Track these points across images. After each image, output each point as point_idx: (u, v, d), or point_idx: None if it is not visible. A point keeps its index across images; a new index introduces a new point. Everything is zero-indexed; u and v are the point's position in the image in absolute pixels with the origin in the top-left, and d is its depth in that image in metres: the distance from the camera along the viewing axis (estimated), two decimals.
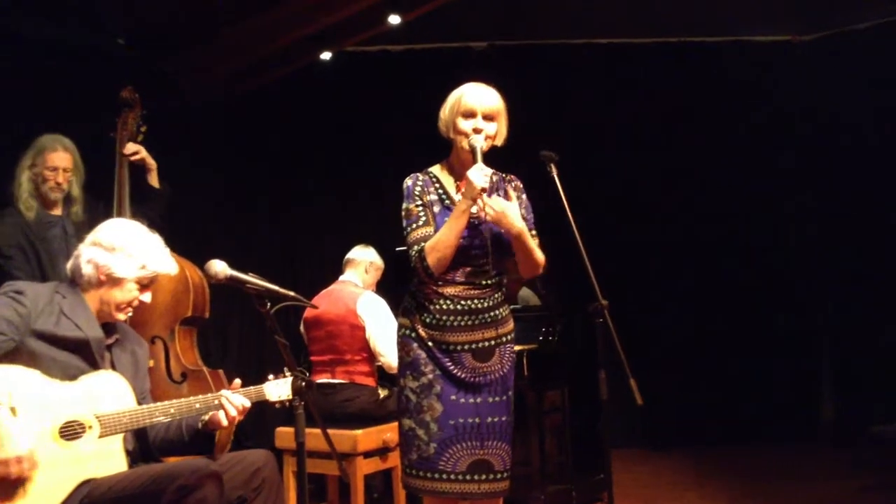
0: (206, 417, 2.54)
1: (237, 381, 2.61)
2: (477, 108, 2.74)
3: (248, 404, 2.54)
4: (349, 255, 4.41)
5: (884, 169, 5.86)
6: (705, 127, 6.23)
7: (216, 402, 2.53)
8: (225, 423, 2.50)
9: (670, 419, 6.03)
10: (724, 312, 6.13)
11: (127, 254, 2.54)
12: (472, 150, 2.70)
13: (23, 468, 2.15)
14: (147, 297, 2.62)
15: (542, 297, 4.87)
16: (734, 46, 6.34)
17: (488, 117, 2.75)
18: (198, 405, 2.51)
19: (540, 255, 2.81)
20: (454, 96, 2.80)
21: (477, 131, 2.72)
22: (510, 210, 2.67)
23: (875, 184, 5.90)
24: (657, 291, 6.19)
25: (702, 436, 6.02)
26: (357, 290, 4.24)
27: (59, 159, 3.71)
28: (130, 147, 3.89)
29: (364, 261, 4.37)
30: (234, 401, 2.51)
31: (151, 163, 3.96)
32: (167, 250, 2.65)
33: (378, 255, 4.44)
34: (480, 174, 2.59)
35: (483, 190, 2.58)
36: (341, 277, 4.37)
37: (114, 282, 2.53)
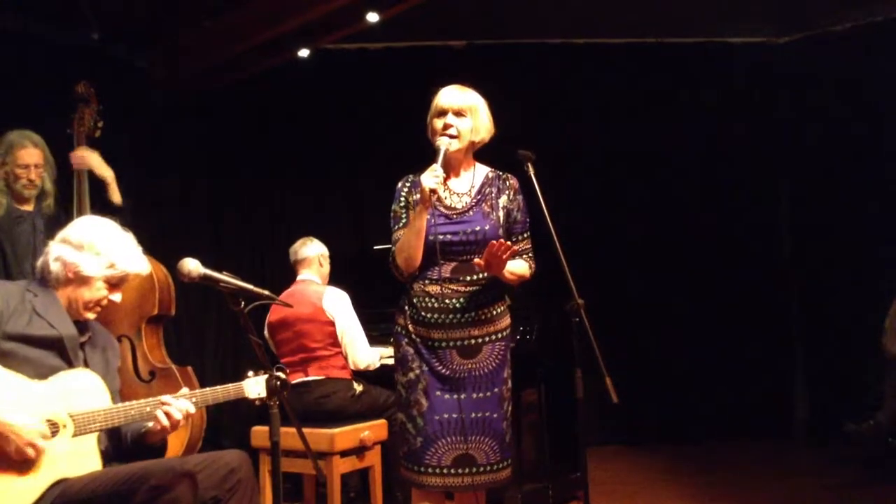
0: (150, 425, 2.48)
1: (185, 390, 2.57)
2: (446, 106, 2.83)
3: (192, 409, 2.47)
4: (299, 255, 4.36)
5: (860, 168, 5.93)
6: (682, 127, 6.25)
7: (192, 400, 2.51)
8: (167, 424, 2.42)
9: (646, 417, 6.07)
10: (698, 310, 6.17)
11: (95, 252, 2.50)
12: (437, 151, 2.78)
13: (39, 446, 2.20)
14: (117, 297, 2.58)
15: (519, 295, 4.87)
16: (711, 47, 6.37)
17: (458, 113, 2.83)
18: None
19: (524, 271, 2.89)
20: (433, 100, 2.89)
21: (447, 127, 2.80)
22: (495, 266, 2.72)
23: (850, 182, 5.96)
24: (633, 289, 6.21)
25: (677, 433, 6.05)
26: (320, 287, 4.27)
27: (30, 156, 3.65)
28: (78, 152, 3.77)
29: (316, 255, 4.37)
30: (178, 405, 2.44)
31: (105, 174, 3.82)
32: (139, 249, 2.61)
33: (320, 244, 4.43)
34: (430, 175, 2.68)
35: (432, 191, 2.67)
36: (299, 277, 4.35)
37: (81, 280, 2.50)
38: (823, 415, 5.95)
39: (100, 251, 2.51)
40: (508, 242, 2.70)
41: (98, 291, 2.52)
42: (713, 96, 6.22)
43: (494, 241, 2.66)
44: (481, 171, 2.95)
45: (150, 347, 3.95)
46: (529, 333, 4.36)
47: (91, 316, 2.56)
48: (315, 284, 4.29)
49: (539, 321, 4.43)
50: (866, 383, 5.06)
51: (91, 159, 3.81)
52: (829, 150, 6.08)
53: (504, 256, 2.68)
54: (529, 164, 2.88)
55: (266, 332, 4.31)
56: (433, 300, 2.82)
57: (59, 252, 2.51)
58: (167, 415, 2.41)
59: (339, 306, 4.12)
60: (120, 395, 2.67)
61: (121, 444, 2.57)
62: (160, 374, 3.90)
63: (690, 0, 5.64)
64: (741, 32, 6.35)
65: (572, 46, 6.35)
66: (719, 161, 6.24)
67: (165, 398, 2.45)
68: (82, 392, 2.40)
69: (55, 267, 2.50)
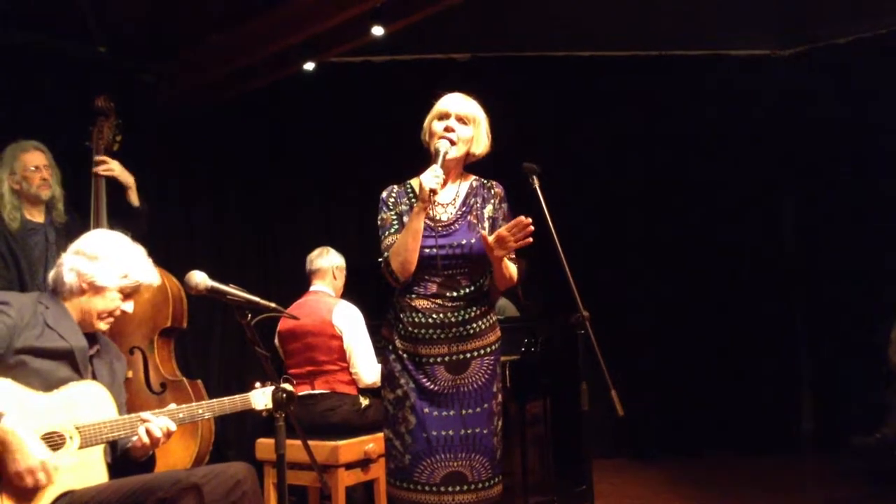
0: (135, 439, 2.47)
1: (172, 405, 2.57)
2: (451, 110, 2.79)
3: (173, 427, 2.47)
4: (314, 265, 4.35)
5: (862, 179, 5.93)
6: (685, 139, 6.26)
7: (199, 410, 2.52)
8: (147, 441, 2.42)
9: (652, 430, 6.05)
10: (704, 322, 6.16)
11: (109, 262, 2.54)
12: (436, 153, 2.73)
13: (39, 478, 2.18)
14: (129, 306, 2.62)
15: (524, 307, 4.88)
16: (715, 60, 6.38)
17: (462, 120, 2.79)
18: (181, 415, 2.51)
19: (513, 271, 2.82)
20: (435, 105, 2.85)
21: (448, 130, 2.76)
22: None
23: (854, 193, 5.96)
24: (638, 302, 6.21)
25: (683, 446, 6.04)
26: (331, 300, 4.24)
27: (36, 158, 3.71)
28: (101, 159, 3.86)
29: (330, 267, 4.34)
30: (158, 422, 2.44)
31: (127, 179, 3.90)
32: (150, 261, 2.65)
33: (338, 255, 4.41)
34: (431, 175, 2.63)
35: (432, 191, 2.62)
36: (312, 288, 4.34)
37: (95, 290, 2.53)
38: (830, 427, 5.92)
39: (114, 261, 2.56)
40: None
41: (112, 301, 2.55)
42: (716, 108, 6.22)
43: (523, 218, 2.56)
44: (466, 181, 2.90)
45: (161, 360, 3.96)
46: (534, 345, 4.36)
47: (104, 327, 2.59)
48: (327, 297, 4.26)
49: (544, 334, 4.43)
50: (873, 395, 5.04)
51: (114, 166, 3.88)
52: (832, 161, 6.09)
53: (527, 230, 2.55)
54: (535, 177, 2.85)
55: (276, 341, 4.31)
56: (420, 315, 2.76)
57: (73, 263, 2.54)
58: (147, 432, 2.42)
59: (348, 321, 4.09)
60: (132, 406, 2.69)
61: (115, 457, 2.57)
62: (171, 387, 3.91)
63: (694, 13, 5.66)
64: (744, 45, 6.36)
65: (576, 59, 6.36)
66: (723, 174, 6.23)
67: (145, 415, 2.45)
68: (89, 404, 2.41)
69: (69, 278, 2.53)
